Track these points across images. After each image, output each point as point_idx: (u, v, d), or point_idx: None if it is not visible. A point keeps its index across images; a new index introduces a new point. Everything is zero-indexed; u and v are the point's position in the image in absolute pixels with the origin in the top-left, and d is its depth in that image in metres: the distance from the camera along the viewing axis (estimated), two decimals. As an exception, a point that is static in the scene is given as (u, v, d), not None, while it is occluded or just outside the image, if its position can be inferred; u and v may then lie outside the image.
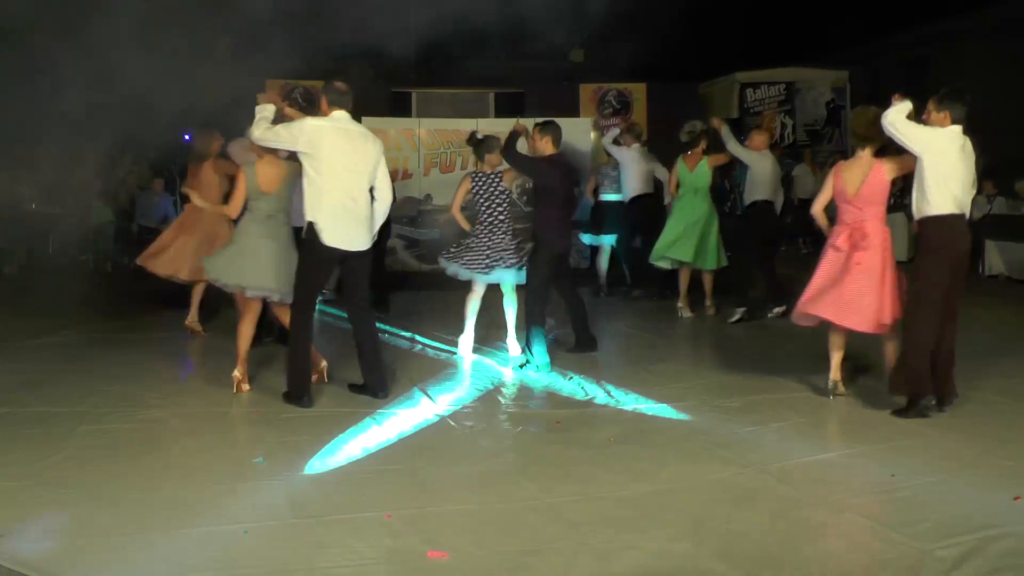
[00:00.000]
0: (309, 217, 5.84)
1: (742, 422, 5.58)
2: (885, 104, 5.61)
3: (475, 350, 7.49)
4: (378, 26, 10.67)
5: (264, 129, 5.92)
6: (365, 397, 6.09)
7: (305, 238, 5.91)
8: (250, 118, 6.01)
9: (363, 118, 12.93)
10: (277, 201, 6.36)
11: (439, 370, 6.97)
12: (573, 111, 14.89)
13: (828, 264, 5.89)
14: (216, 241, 7.59)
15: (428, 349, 7.79)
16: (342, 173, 5.86)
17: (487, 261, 7.12)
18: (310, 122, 5.86)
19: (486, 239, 7.16)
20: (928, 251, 5.60)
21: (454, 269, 7.25)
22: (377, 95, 15.50)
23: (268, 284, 6.26)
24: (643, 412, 5.88)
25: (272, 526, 4.01)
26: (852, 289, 5.69)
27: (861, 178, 5.84)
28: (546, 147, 7.21)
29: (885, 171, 5.80)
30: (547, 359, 6.98)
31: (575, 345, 7.60)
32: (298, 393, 5.96)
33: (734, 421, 5.61)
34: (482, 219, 7.23)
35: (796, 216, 15.00)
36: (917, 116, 5.56)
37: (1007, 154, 12.62)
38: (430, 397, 6.19)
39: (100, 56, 10.98)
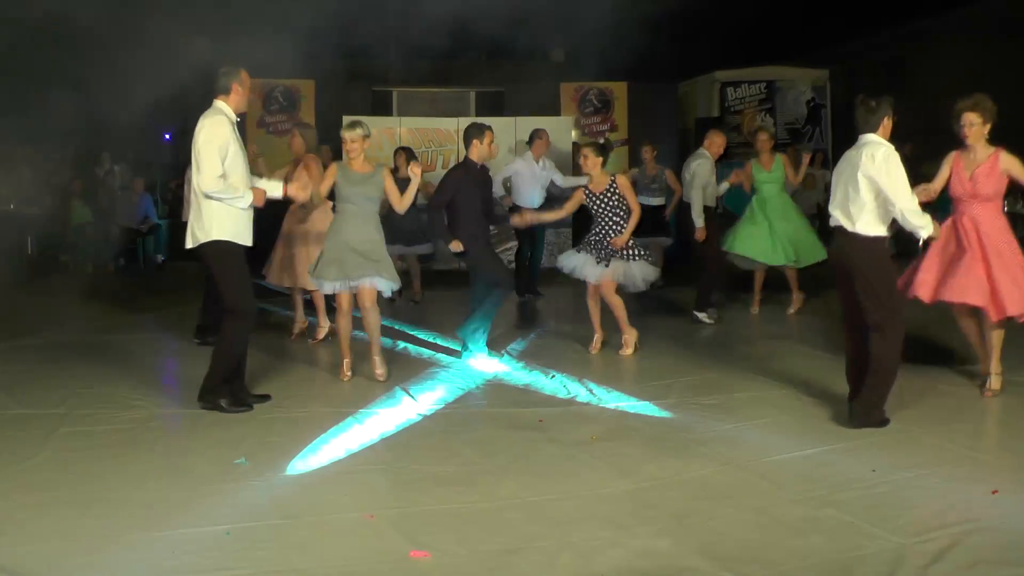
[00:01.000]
0: None
1: (724, 419, 5.60)
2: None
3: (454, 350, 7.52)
4: (359, 25, 10.66)
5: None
6: (348, 397, 6.10)
7: None
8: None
9: (344, 117, 12.95)
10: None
11: (421, 370, 6.96)
12: (554, 110, 14.91)
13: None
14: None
15: (410, 349, 7.78)
16: None
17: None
18: None
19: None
20: None
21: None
22: (358, 94, 15.46)
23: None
24: (625, 410, 5.89)
25: (254, 527, 4.00)
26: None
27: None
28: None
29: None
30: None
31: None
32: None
33: (716, 418, 5.63)
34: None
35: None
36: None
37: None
38: (412, 397, 6.19)
39: (79, 56, 10.93)
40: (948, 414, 5.64)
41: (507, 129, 12.34)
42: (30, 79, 11.31)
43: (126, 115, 11.44)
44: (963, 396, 6.00)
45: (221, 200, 5.58)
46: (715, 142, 9.05)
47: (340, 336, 6.71)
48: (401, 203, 6.67)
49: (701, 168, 8.79)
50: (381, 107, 16.04)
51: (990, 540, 3.79)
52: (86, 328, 8.68)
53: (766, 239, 8.95)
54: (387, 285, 6.49)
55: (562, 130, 12.99)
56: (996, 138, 5.94)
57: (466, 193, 7.24)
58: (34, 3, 9.97)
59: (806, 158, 9.68)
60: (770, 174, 9.03)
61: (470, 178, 7.29)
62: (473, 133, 7.32)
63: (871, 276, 5.33)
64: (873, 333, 5.38)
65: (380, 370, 6.62)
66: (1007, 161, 5.86)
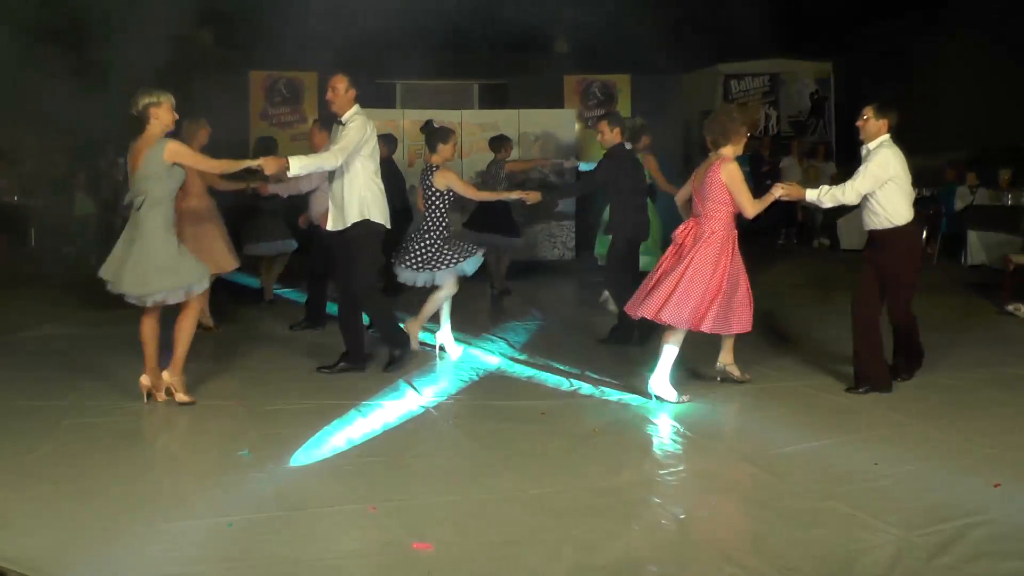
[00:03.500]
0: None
1: (726, 412, 5.61)
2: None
3: (461, 342, 7.52)
4: (362, 17, 10.65)
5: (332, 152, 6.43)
6: (351, 389, 6.12)
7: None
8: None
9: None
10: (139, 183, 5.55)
11: (424, 362, 6.96)
12: (558, 102, 14.88)
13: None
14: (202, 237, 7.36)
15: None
16: None
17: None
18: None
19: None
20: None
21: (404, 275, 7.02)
22: (361, 86, 15.44)
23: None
24: (627, 403, 5.89)
25: (257, 518, 4.01)
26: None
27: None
28: (616, 138, 7.48)
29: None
30: None
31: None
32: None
33: (718, 411, 5.64)
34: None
35: (781, 208, 15.04)
36: None
37: (989, 144, 12.69)
38: (415, 389, 6.19)
39: (82, 47, 10.92)
40: (950, 408, 5.64)
41: (511, 122, 12.36)
42: (33, 70, 11.29)
43: (129, 107, 11.43)
44: (964, 390, 6.00)
45: None
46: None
47: None
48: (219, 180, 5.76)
49: None
50: (384, 99, 16.00)
51: (992, 533, 3.79)
52: (89, 320, 8.67)
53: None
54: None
55: (566, 122, 13.02)
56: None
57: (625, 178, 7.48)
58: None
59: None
60: None
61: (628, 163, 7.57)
62: (615, 122, 7.51)
63: None
64: None
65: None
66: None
